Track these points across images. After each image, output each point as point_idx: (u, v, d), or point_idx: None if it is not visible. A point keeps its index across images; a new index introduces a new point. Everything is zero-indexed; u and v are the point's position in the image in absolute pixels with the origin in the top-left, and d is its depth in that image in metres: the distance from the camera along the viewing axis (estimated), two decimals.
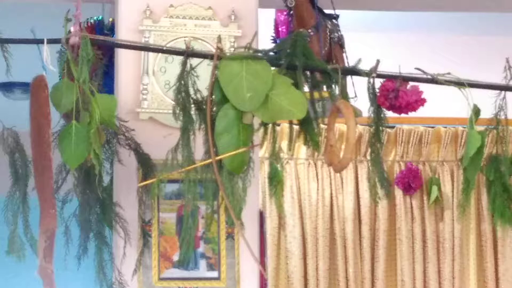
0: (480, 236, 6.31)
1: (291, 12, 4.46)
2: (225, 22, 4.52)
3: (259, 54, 3.87)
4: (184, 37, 4.43)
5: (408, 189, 6.16)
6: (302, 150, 5.98)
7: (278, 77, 3.81)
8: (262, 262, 4.75)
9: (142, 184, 4.23)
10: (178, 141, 3.80)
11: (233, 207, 3.77)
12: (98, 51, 3.93)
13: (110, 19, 4.97)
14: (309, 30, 4.38)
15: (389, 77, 3.99)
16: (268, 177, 6.02)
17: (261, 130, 3.84)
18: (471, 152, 4.13)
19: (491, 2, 5.08)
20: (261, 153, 5.76)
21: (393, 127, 6.23)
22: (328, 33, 4.56)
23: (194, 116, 3.82)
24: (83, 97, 3.67)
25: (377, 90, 4.01)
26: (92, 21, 4.98)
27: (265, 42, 4.07)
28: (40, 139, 3.75)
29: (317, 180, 6.20)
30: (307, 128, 3.92)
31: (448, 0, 5.07)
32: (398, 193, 6.18)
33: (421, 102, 4.02)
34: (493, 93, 4.25)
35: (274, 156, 4.70)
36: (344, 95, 4.03)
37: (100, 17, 4.94)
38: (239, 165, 3.75)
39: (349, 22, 5.06)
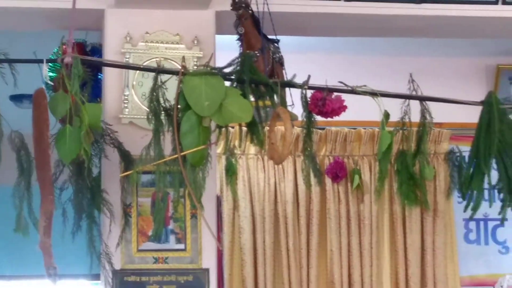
0: (392, 215, 6.30)
1: (241, 37, 4.43)
2: (190, 45, 4.53)
3: (215, 71, 3.87)
4: (157, 57, 4.41)
5: (335, 178, 6.15)
6: (252, 147, 5.95)
7: (230, 89, 3.84)
8: (219, 237, 4.72)
9: (123, 174, 4.24)
10: (151, 141, 3.80)
11: (194, 193, 3.78)
12: (88, 68, 3.90)
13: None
14: (256, 52, 4.35)
15: (318, 89, 4.00)
16: (225, 169, 5.99)
17: (217, 131, 3.85)
18: (383, 148, 4.15)
19: (397, 30, 5.09)
20: (219, 150, 5.75)
21: (323, 128, 6.21)
22: (271, 54, 4.55)
23: (163, 120, 3.83)
24: (75, 105, 3.67)
25: (309, 99, 4.03)
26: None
27: (222, 61, 4.05)
28: (41, 139, 3.75)
29: (264, 171, 6.19)
30: (253, 130, 3.95)
31: (367, 28, 5.07)
32: (328, 181, 6.16)
33: (343, 108, 4.04)
34: (399, 101, 4.27)
35: (229, 152, 4.73)
36: (282, 103, 4.05)
37: (83, 40, 4.90)
38: (200, 160, 3.77)
39: (289, 44, 5.08)
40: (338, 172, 6.14)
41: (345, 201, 6.24)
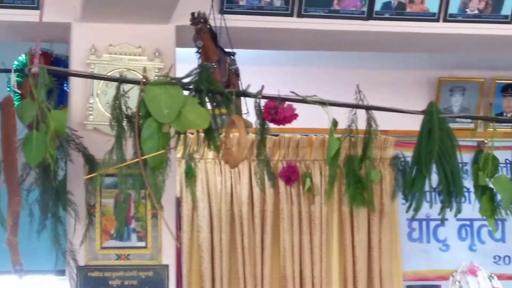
0: (341, 215, 6.34)
1: (200, 50, 4.45)
2: (151, 57, 4.55)
3: (175, 81, 3.89)
4: (120, 68, 4.42)
5: (288, 181, 6.18)
6: (210, 152, 5.95)
7: (189, 98, 3.86)
8: (178, 235, 4.73)
9: (87, 177, 4.24)
10: (113, 145, 3.81)
11: (154, 195, 3.80)
12: (54, 77, 3.90)
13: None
14: (213, 64, 4.38)
15: (271, 98, 4.03)
16: (184, 172, 5.99)
17: (176, 137, 3.87)
18: (332, 153, 4.20)
19: (346, 44, 5.13)
20: (179, 154, 5.76)
21: (277, 135, 6.24)
22: (228, 66, 4.57)
23: (125, 127, 3.84)
24: (41, 112, 3.66)
25: (262, 108, 4.06)
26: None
27: (182, 72, 4.07)
28: (8, 143, 3.74)
29: (221, 174, 6.20)
30: (210, 136, 3.97)
31: (318, 43, 5.12)
32: (281, 184, 6.18)
33: (294, 116, 4.07)
34: (347, 110, 4.32)
35: (188, 157, 4.74)
36: (237, 111, 4.07)
37: (49, 50, 4.90)
38: (159, 163, 3.79)
39: (246, 57, 5.11)
40: (291, 175, 6.17)
41: (297, 202, 6.27)
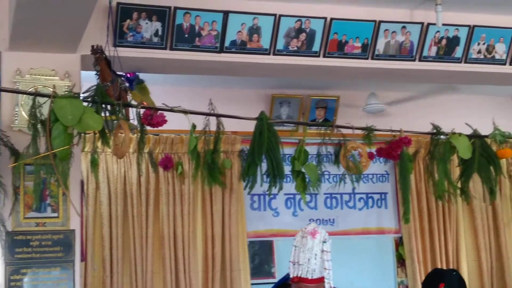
0: (203, 192, 6.31)
1: (98, 73, 4.40)
2: (62, 77, 4.48)
3: (77, 95, 3.86)
4: (38, 86, 4.35)
5: (166, 167, 6.18)
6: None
7: (87, 107, 3.83)
8: (82, 208, 4.63)
9: (13, 165, 4.14)
10: (30, 142, 3.75)
11: (62, 179, 3.75)
12: None
13: None
14: (108, 83, 4.35)
15: (147, 108, 4.04)
16: (90, 161, 5.92)
17: (78, 136, 3.83)
18: (191, 147, 4.27)
19: (205, 70, 5.15)
20: (86, 148, 5.69)
21: (158, 135, 6.21)
22: (119, 85, 4.54)
23: (40, 129, 3.77)
24: None
25: (142, 115, 4.07)
26: None
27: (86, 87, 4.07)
28: None
29: (117, 163, 6.12)
30: (103, 135, 3.94)
31: (187, 67, 5.07)
32: (161, 170, 6.18)
33: (164, 121, 4.10)
34: (203, 117, 4.38)
35: (93, 150, 4.68)
36: (124, 117, 4.05)
37: None
38: (65, 156, 3.77)
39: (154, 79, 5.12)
40: (168, 163, 6.18)
41: (172, 183, 6.27)
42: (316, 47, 4.90)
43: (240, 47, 4.77)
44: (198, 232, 6.33)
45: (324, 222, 6.78)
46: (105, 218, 6.07)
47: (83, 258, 5.28)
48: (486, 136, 4.95)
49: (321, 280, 3.65)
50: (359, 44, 4.93)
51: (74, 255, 4.38)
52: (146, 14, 4.49)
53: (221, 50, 4.75)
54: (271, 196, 6.50)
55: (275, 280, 6.29)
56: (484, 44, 5.15)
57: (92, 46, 4.32)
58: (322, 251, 3.67)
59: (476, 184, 6.16)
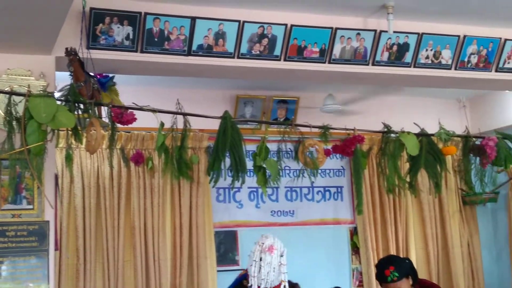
0: (172, 185, 6.33)
1: (72, 73, 4.34)
2: (37, 77, 4.38)
3: (50, 94, 3.80)
4: (14, 85, 4.24)
5: (137, 163, 6.03)
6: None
7: (61, 106, 3.77)
8: (56, 201, 4.56)
9: None
10: (6, 138, 3.69)
11: (36, 173, 3.69)
12: None
13: None
14: (81, 83, 4.28)
15: (118, 107, 4.00)
16: (65, 157, 5.82)
17: (51, 133, 3.78)
18: (159, 144, 4.23)
19: (174, 71, 5.11)
20: (61, 144, 5.61)
21: (130, 132, 6.18)
22: (92, 85, 4.48)
23: (15, 126, 3.71)
24: None
25: (113, 114, 4.02)
26: None
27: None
28: None
29: (91, 158, 6.09)
30: (75, 132, 3.89)
31: (155, 69, 4.97)
32: (132, 165, 6.13)
33: (134, 119, 4.06)
34: (171, 115, 4.34)
35: (67, 145, 4.58)
36: (96, 116, 4.01)
37: None
38: (39, 151, 3.70)
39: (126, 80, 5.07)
40: (139, 159, 6.05)
41: (143, 177, 6.25)
42: (277, 51, 4.90)
43: (206, 50, 4.73)
44: (167, 223, 6.30)
45: (284, 214, 6.81)
46: (79, 210, 6.01)
47: (57, 247, 5.22)
48: (432, 135, 5.00)
49: (278, 286, 3.81)
50: (317, 49, 4.94)
51: (49, 244, 4.31)
52: (118, 19, 4.44)
53: (189, 53, 4.71)
54: (236, 189, 6.61)
55: (239, 267, 6.32)
56: (431, 50, 5.20)
57: (66, 48, 4.25)
58: (280, 264, 3.81)
59: (424, 179, 6.25)
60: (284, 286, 3.79)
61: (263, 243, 3.90)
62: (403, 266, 4.56)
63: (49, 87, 4.25)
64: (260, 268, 3.79)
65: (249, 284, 3.81)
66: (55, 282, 5.59)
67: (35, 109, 3.60)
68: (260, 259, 3.82)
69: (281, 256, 3.86)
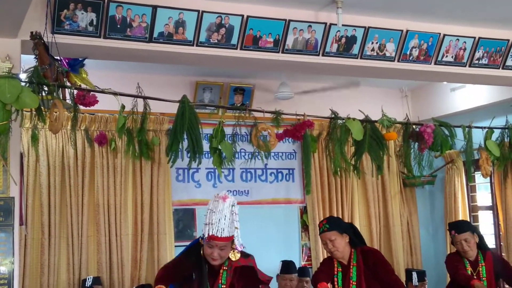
0: (134, 165, 6.27)
1: (36, 56, 4.23)
2: (3, 60, 4.21)
3: (15, 76, 3.69)
4: None
5: (100, 143, 6.08)
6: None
7: (25, 87, 3.67)
8: (21, 178, 4.46)
9: None
10: None
11: (0, 151, 3.60)
12: None
13: None
14: (46, 66, 4.16)
15: (81, 90, 3.92)
16: (31, 136, 5.74)
17: (16, 112, 3.67)
18: (119, 126, 4.18)
19: (137, 57, 5.01)
20: (27, 125, 5.50)
21: (94, 114, 6.09)
22: (56, 68, 4.35)
23: None
24: None
25: (75, 96, 3.95)
26: None
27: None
28: None
29: (56, 138, 5.99)
30: (39, 112, 3.81)
31: (120, 55, 4.83)
32: (96, 145, 6.06)
33: (96, 102, 3.99)
34: (132, 98, 4.28)
35: (33, 126, 4.49)
36: (59, 97, 3.92)
37: None
38: (3, 130, 3.60)
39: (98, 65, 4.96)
40: (102, 140, 6.07)
41: (106, 157, 6.18)
42: (234, 40, 4.86)
43: (167, 38, 4.66)
44: (129, 201, 6.25)
45: (239, 193, 6.82)
46: (44, 187, 5.91)
47: (22, 222, 5.11)
48: (376, 121, 5.06)
49: (230, 238, 3.69)
50: (272, 40, 4.93)
51: (14, 219, 4.22)
52: (82, 5, 4.34)
53: (150, 40, 4.64)
54: (194, 169, 6.60)
55: None
56: (377, 43, 5.25)
57: (31, 32, 4.13)
58: (232, 213, 3.68)
59: (368, 162, 6.34)
60: (239, 242, 3.68)
61: (218, 194, 3.81)
62: (338, 223, 4.60)
63: (14, 69, 4.13)
64: (212, 216, 3.67)
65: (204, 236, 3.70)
66: (21, 256, 5.51)
67: (0, 89, 3.50)
68: (214, 209, 3.69)
69: (233, 205, 3.72)
